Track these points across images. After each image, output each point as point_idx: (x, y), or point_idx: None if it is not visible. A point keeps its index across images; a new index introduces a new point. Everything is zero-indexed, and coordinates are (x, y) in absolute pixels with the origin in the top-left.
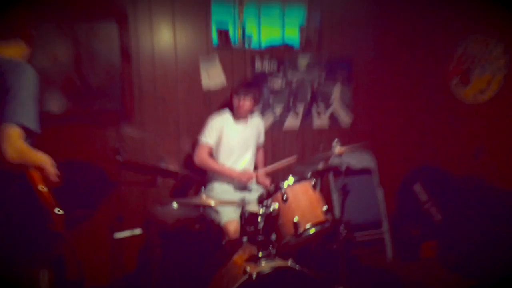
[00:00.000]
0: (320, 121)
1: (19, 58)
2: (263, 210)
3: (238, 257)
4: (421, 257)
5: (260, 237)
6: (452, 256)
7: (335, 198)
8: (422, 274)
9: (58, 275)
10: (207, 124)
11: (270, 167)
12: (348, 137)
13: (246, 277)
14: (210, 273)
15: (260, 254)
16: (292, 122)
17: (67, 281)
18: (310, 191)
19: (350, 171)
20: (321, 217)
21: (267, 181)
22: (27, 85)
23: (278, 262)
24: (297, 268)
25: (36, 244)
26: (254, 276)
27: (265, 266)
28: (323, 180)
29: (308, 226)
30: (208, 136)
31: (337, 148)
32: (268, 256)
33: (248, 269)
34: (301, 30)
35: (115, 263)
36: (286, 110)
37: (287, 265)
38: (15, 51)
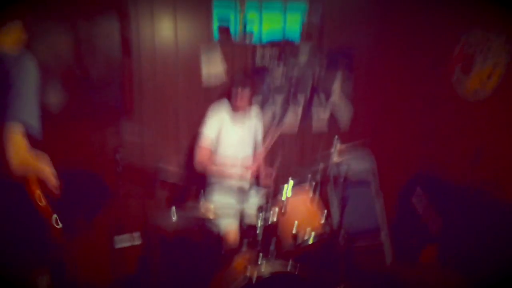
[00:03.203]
0: (320, 118)
1: (18, 46)
2: (262, 220)
3: (237, 264)
4: (421, 262)
5: (259, 246)
6: (451, 260)
7: (334, 206)
8: (421, 278)
9: (57, 281)
10: (208, 117)
11: (265, 146)
12: (347, 138)
13: (245, 281)
14: (209, 280)
15: (259, 261)
16: (292, 121)
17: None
18: (309, 200)
19: (349, 180)
20: (320, 228)
21: (269, 182)
22: (31, 82)
23: (277, 267)
24: (296, 273)
25: (35, 250)
26: (253, 280)
27: (264, 270)
28: (322, 189)
29: (306, 236)
30: (209, 131)
31: (337, 146)
32: (267, 262)
33: (247, 273)
34: (303, 23)
35: (114, 270)
36: (286, 105)
37: (286, 269)
38: (14, 38)
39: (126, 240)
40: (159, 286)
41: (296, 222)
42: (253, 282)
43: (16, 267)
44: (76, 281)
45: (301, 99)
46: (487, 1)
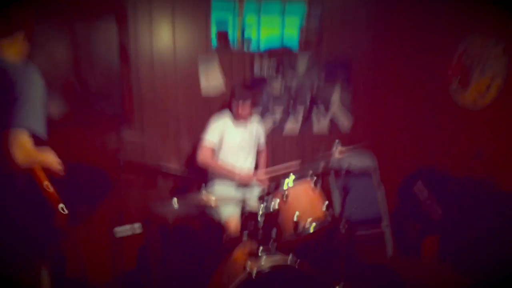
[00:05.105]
0: (320, 125)
1: (21, 56)
2: (263, 208)
3: (238, 253)
4: (422, 254)
5: (260, 234)
6: (452, 253)
7: (336, 196)
8: (422, 271)
9: (59, 272)
10: (209, 125)
11: (271, 169)
12: (348, 141)
13: (246, 274)
14: (210, 270)
15: (260, 251)
16: (292, 127)
17: (68, 279)
18: (310, 189)
19: (350, 171)
20: (321, 215)
21: (265, 181)
22: (36, 91)
23: (278, 259)
24: (297, 265)
25: (38, 242)
26: (254, 273)
27: (265, 263)
28: (324, 179)
29: (308, 223)
30: (211, 136)
31: (338, 149)
32: (268, 253)
33: (248, 266)
34: (301, 31)
35: (115, 261)
36: (286, 114)
37: (287, 262)
38: (17, 48)
39: (127, 230)
40: (159, 274)
41: (297, 210)
42: (253, 275)
43: (20, 258)
44: (78, 272)
45: (301, 109)
46: (485, 8)
